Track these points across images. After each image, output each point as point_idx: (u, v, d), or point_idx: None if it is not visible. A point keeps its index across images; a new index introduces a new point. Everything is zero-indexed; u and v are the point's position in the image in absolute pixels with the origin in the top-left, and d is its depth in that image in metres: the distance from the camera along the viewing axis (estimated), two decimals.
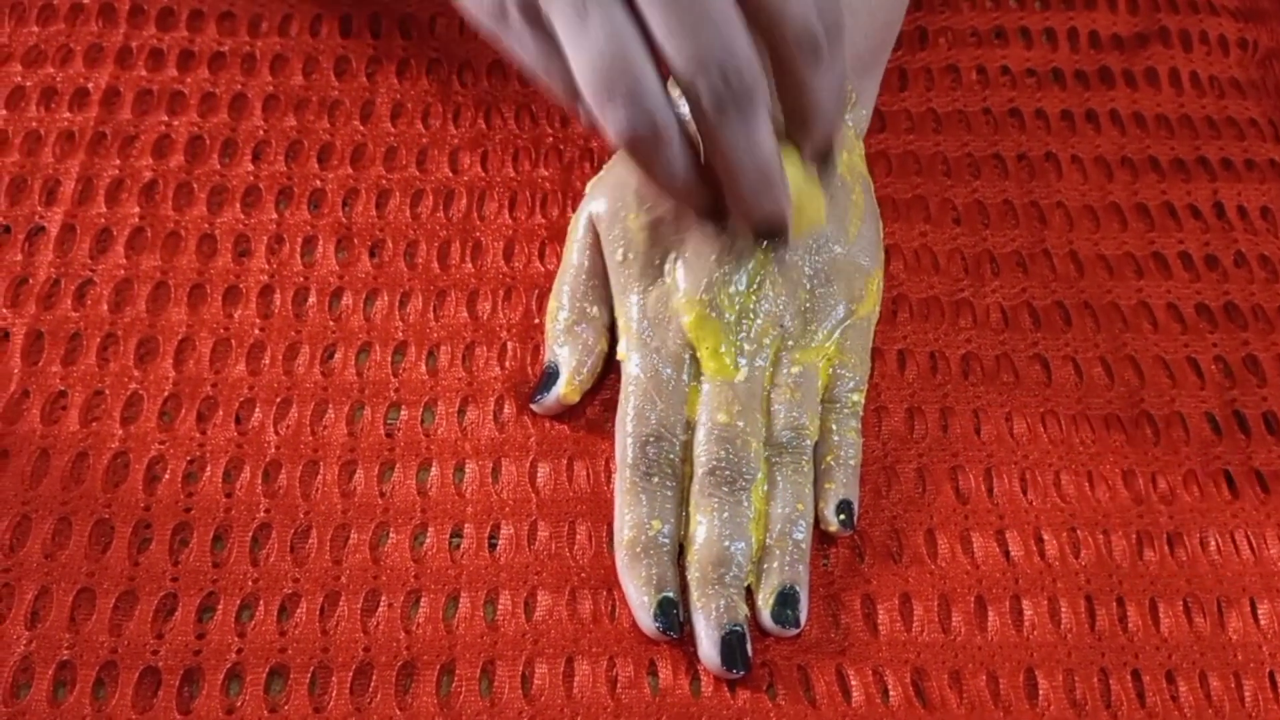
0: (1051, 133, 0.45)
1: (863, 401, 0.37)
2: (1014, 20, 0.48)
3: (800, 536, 0.35)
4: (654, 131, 0.31)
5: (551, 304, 0.39)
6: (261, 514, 0.36)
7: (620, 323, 0.37)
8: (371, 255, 0.41)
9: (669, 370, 0.36)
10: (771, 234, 0.34)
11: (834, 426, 0.36)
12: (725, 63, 0.30)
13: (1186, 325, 0.41)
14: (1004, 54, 0.47)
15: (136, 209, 0.41)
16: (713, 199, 0.34)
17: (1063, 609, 0.35)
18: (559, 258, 0.40)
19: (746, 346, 0.36)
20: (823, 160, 0.35)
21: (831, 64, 0.32)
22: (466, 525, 0.36)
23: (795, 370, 0.36)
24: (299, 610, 0.34)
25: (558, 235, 0.41)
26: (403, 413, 0.38)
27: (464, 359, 0.39)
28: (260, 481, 0.36)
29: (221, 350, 0.39)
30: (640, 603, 0.34)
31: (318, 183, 0.42)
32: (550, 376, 0.37)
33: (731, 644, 0.33)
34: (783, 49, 0.32)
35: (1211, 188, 0.44)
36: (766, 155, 0.32)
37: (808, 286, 0.37)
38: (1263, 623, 0.35)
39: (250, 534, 0.35)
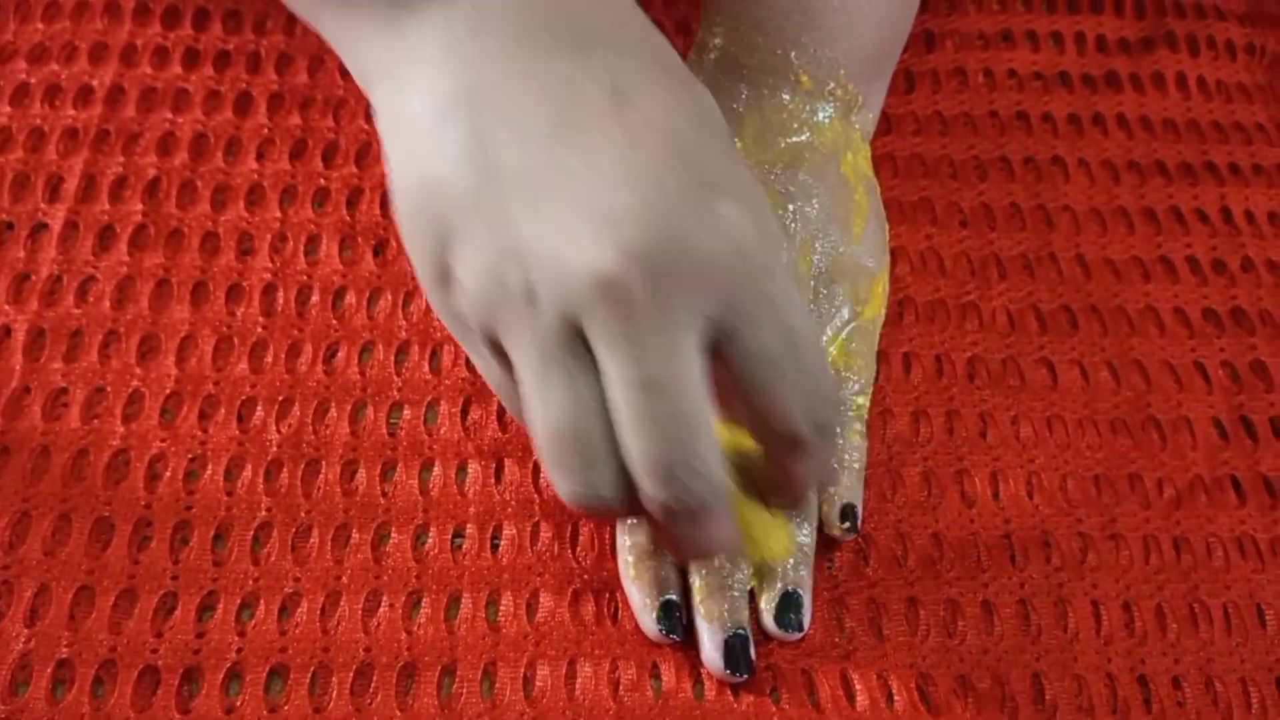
0: (1058, 136, 0.45)
1: (868, 405, 0.37)
2: (1021, 24, 0.48)
3: (804, 539, 0.34)
4: (599, 503, 0.28)
5: None
6: (262, 513, 0.35)
7: None
8: (375, 254, 0.41)
9: None
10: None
11: (839, 430, 0.36)
12: (679, 474, 0.27)
13: (1193, 330, 0.40)
14: (1011, 57, 0.47)
15: (140, 206, 0.41)
16: None
17: (1069, 613, 0.35)
18: None
19: None
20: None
21: (812, 458, 0.29)
22: (468, 526, 0.35)
23: None
24: (299, 610, 0.34)
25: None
26: (405, 412, 0.37)
27: (467, 359, 0.39)
28: (261, 480, 0.36)
29: (224, 348, 0.38)
30: (643, 605, 0.33)
31: (322, 181, 0.42)
32: None
33: (735, 647, 0.33)
34: (766, 437, 0.29)
35: (1219, 192, 0.43)
36: (714, 546, 0.29)
37: (812, 288, 0.37)
38: (1269, 628, 0.35)
39: (251, 533, 0.35)
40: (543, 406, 0.27)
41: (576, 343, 0.27)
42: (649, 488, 0.27)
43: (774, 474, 0.30)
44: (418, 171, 0.28)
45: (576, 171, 0.27)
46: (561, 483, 0.28)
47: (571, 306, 0.27)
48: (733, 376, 0.28)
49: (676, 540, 0.29)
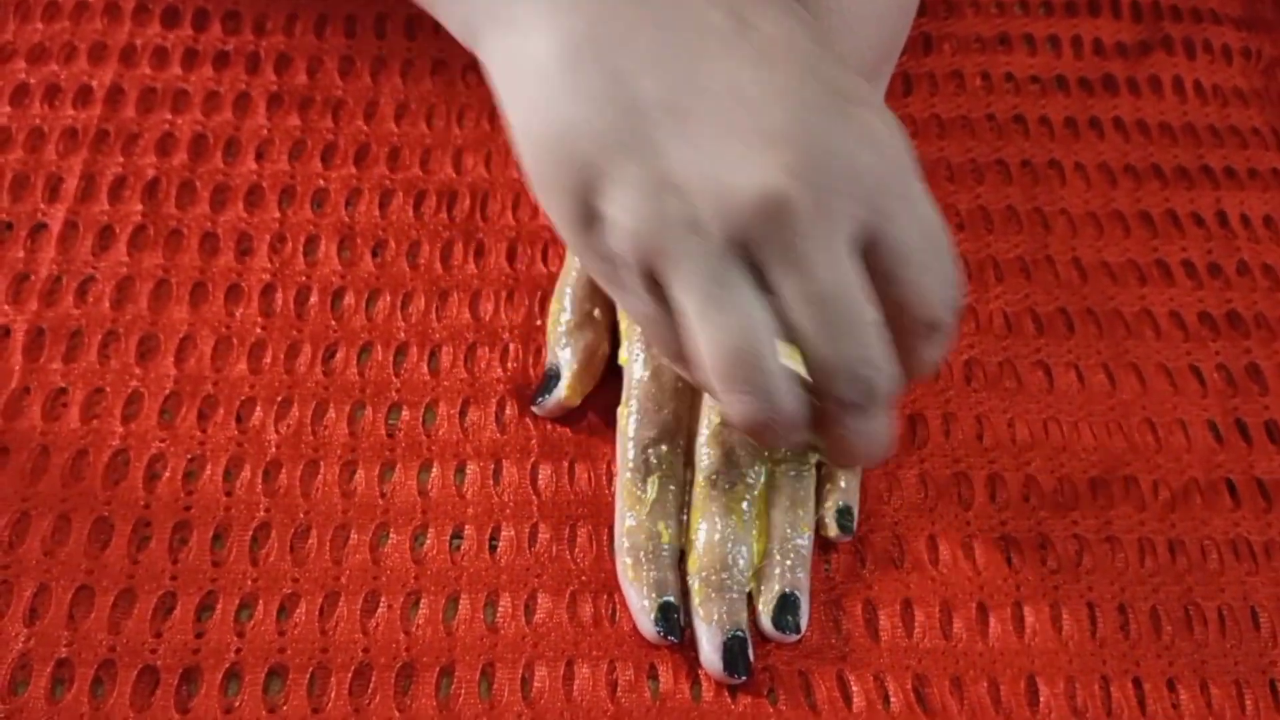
0: (1055, 139, 0.45)
1: None
2: (1018, 27, 0.48)
3: (801, 542, 0.34)
4: (774, 421, 0.29)
5: (554, 305, 0.39)
6: (261, 513, 0.35)
7: (623, 326, 0.37)
8: (374, 255, 0.41)
9: (671, 374, 0.36)
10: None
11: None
12: (861, 372, 0.28)
13: (1189, 333, 0.40)
14: (1008, 60, 0.47)
15: (139, 207, 0.41)
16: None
17: (1064, 616, 0.35)
18: (562, 259, 0.40)
19: None
20: None
21: (945, 338, 0.31)
22: (467, 526, 0.35)
23: None
24: (298, 610, 0.34)
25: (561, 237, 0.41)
26: (404, 413, 0.37)
27: (466, 360, 0.39)
28: (260, 480, 0.36)
29: (223, 349, 0.38)
30: (641, 607, 0.34)
31: (321, 182, 0.42)
32: (552, 378, 0.37)
33: (733, 649, 0.33)
34: (905, 325, 0.30)
35: (1215, 196, 0.44)
36: (880, 442, 0.31)
37: None
38: (1263, 631, 0.35)
39: (250, 533, 0.35)
40: (716, 329, 0.28)
41: (742, 263, 0.28)
42: (838, 388, 0.29)
43: (902, 358, 0.31)
44: (554, 117, 0.29)
45: (720, 96, 0.28)
46: (739, 403, 0.29)
47: (737, 228, 0.27)
48: (877, 272, 0.29)
49: (852, 438, 0.30)
